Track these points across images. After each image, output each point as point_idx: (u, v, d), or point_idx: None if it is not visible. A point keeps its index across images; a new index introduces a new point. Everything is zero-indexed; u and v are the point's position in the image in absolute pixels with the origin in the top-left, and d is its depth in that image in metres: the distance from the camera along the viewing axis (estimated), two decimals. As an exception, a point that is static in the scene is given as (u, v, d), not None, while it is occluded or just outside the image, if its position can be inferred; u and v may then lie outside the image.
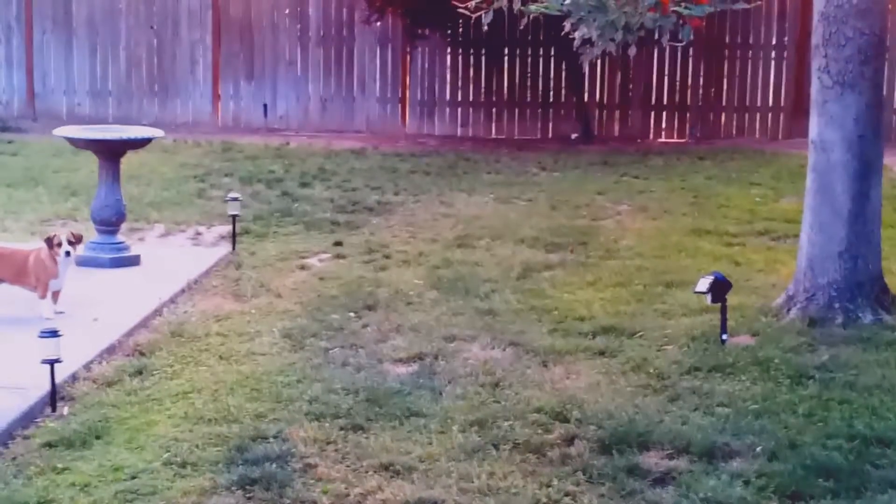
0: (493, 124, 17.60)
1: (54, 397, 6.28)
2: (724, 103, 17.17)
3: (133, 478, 5.42)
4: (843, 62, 7.58)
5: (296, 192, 12.39)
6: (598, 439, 5.86)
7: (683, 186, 12.81)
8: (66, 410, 6.25)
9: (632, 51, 7.80)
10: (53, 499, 5.20)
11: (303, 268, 9.37)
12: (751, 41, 17.03)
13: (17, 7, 18.18)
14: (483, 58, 17.54)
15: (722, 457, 5.66)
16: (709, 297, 7.44)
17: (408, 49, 17.62)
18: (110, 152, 9.34)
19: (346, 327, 7.76)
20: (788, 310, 7.87)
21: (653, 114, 17.33)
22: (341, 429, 6.00)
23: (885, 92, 9.28)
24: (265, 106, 17.92)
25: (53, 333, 6.26)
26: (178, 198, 12.00)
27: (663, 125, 17.34)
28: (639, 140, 16.84)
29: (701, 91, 17.18)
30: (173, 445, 5.76)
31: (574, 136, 16.88)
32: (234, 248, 9.88)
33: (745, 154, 15.11)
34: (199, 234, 10.63)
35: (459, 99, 17.69)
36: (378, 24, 17.14)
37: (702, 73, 17.17)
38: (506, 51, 17.52)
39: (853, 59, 7.58)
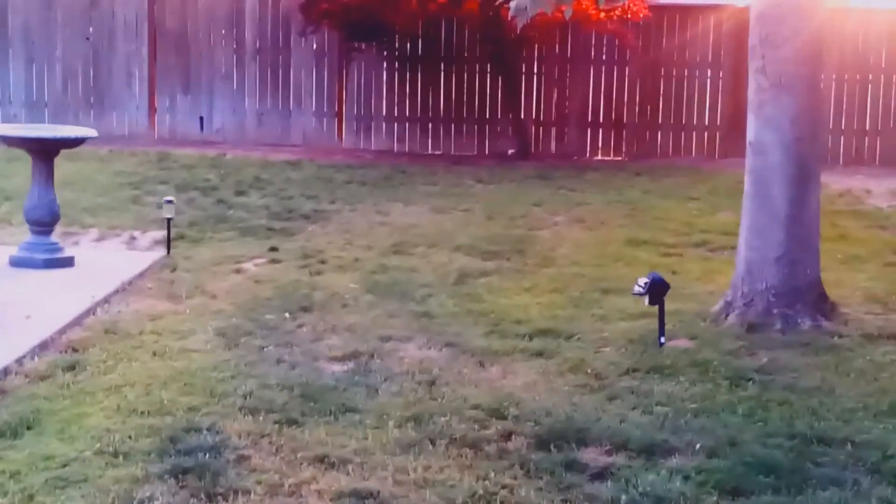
0: (430, 140, 17.59)
1: (-17, 390, 6.16)
2: (660, 121, 17.29)
3: (64, 466, 5.32)
4: (780, 63, 7.62)
5: (231, 199, 12.30)
6: (536, 435, 5.84)
7: (620, 199, 12.87)
8: (-4, 403, 6.13)
9: (568, 13, 7.69)
10: (-19, 486, 5.08)
11: (238, 272, 9.29)
12: (686, 60, 17.17)
13: (-50, 15, 17.94)
14: (419, 73, 17.53)
15: (661, 453, 5.65)
16: (646, 299, 7.46)
17: (344, 63, 17.58)
18: (44, 151, 9.21)
19: (280, 327, 7.69)
20: (726, 315, 7.90)
21: (589, 131, 17.41)
22: (275, 422, 5.93)
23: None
24: (201, 119, 17.78)
25: (-17, 325, 6.14)
26: (113, 203, 11.87)
27: (600, 143, 17.42)
28: (575, 157, 16.91)
29: (637, 109, 17.30)
30: (105, 436, 5.67)
31: (511, 152, 16.92)
32: (168, 252, 9.77)
33: (681, 171, 15.21)
34: (133, 238, 10.52)
35: (396, 114, 17.66)
36: (314, 37, 17.09)
37: (638, 92, 17.28)
38: (442, 66, 17.54)
39: (790, 59, 7.62)
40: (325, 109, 17.72)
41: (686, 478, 5.32)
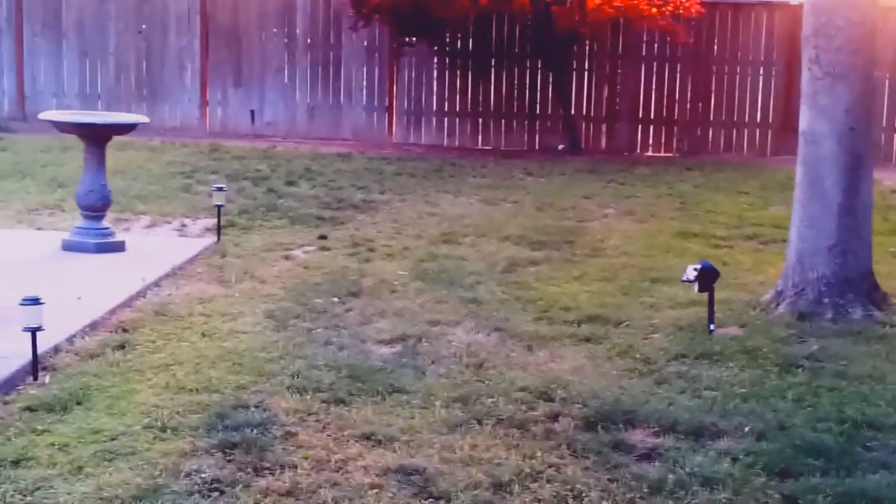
0: (480, 135, 17.60)
1: (35, 366, 6.20)
2: (711, 118, 17.19)
3: (112, 439, 5.35)
4: (834, 52, 7.56)
5: (281, 189, 12.36)
6: (583, 417, 5.82)
7: (670, 193, 12.81)
8: (47, 379, 6.18)
9: None
10: (32, 456, 5.12)
11: (287, 258, 9.33)
12: (739, 57, 17.06)
13: (6, 9, 18.13)
14: (470, 68, 17.54)
15: (709, 436, 5.61)
16: (696, 286, 7.41)
17: (394, 58, 17.62)
18: (96, 137, 9.29)
19: (329, 311, 7.71)
20: (777, 304, 7.83)
21: (640, 127, 17.34)
22: (323, 401, 5.95)
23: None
24: (252, 112, 17.88)
25: (35, 301, 6.19)
26: (165, 192, 11.97)
27: (650, 139, 17.34)
28: (625, 153, 16.84)
29: (688, 106, 17.20)
30: (154, 411, 5.70)
31: (560, 147, 16.89)
32: (218, 239, 9.82)
33: (732, 166, 15.14)
34: (184, 225, 10.59)
35: (446, 109, 17.68)
36: (365, 32, 17.13)
37: (689, 88, 17.18)
38: (492, 62, 17.53)
39: (844, 48, 7.55)
40: (376, 103, 17.77)
41: (734, 459, 5.28)
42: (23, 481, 4.86)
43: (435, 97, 17.71)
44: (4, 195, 11.41)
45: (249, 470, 5.08)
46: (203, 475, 4.98)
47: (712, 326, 7.28)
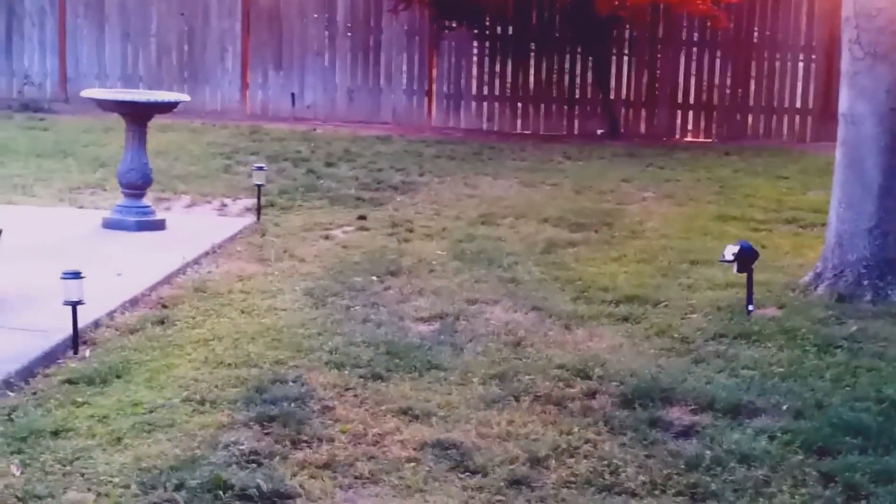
0: (519, 119, 17.56)
1: (76, 339, 6.27)
2: (751, 104, 17.08)
3: (151, 412, 5.40)
4: (875, 33, 7.49)
5: (321, 170, 12.40)
6: (620, 394, 5.82)
7: (709, 177, 12.75)
8: (87, 353, 6.25)
9: None
10: (71, 428, 5.18)
11: (327, 238, 9.35)
12: (779, 42, 16.94)
13: (49, -8, 18.29)
14: (510, 53, 17.51)
15: (746, 414, 5.60)
16: (735, 267, 7.38)
17: (434, 42, 17.61)
18: (137, 115, 9.34)
19: (368, 289, 7.73)
20: (816, 286, 7.79)
21: (679, 113, 17.24)
22: (360, 377, 5.98)
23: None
24: (293, 95, 17.92)
25: (76, 275, 6.24)
26: (205, 172, 12.04)
27: (689, 124, 17.25)
28: (664, 138, 16.76)
29: (728, 91, 17.10)
30: (192, 385, 5.75)
31: (600, 132, 16.84)
32: (258, 218, 9.87)
33: (772, 151, 15.05)
34: (224, 205, 10.64)
35: (485, 93, 17.65)
36: (405, 15, 17.13)
37: (729, 74, 17.07)
38: (532, 46, 17.48)
39: (885, 29, 7.48)
40: (416, 87, 17.77)
41: (772, 437, 5.27)
42: (62, 451, 4.92)
43: (474, 81, 17.68)
44: (47, 174, 11.51)
45: (287, 443, 5.11)
46: (241, 447, 5.02)
47: (751, 307, 7.25)
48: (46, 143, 13.34)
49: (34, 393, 5.63)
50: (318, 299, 7.41)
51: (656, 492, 4.77)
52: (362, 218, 10.11)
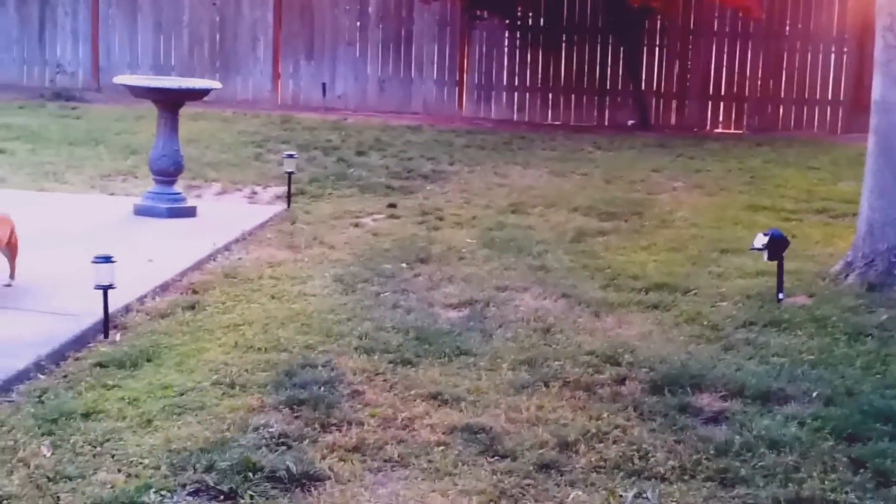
0: (550, 110, 17.55)
1: (107, 323, 6.29)
2: (782, 95, 16.99)
3: (181, 394, 5.42)
4: (909, 19, 7.45)
5: (351, 159, 12.43)
6: (650, 380, 5.80)
7: (740, 167, 12.70)
8: (118, 337, 6.27)
9: None
10: (102, 410, 5.20)
11: (356, 225, 9.37)
12: (811, 33, 16.83)
13: (83, -19, 18.39)
14: (541, 43, 17.49)
15: (776, 401, 5.57)
16: (765, 255, 7.34)
17: (466, 32, 17.59)
18: (169, 102, 9.38)
19: (397, 276, 7.74)
20: (846, 275, 7.74)
21: (710, 104, 17.18)
22: (390, 362, 5.98)
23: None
24: (324, 85, 17.96)
25: (107, 259, 6.27)
26: (236, 160, 12.09)
27: (720, 116, 17.17)
28: (695, 129, 16.70)
29: (759, 83, 17.01)
30: (222, 369, 5.76)
31: (630, 123, 16.80)
32: (289, 205, 9.90)
33: (803, 143, 15.00)
34: (255, 193, 10.68)
35: (516, 84, 17.65)
36: (436, 5, 17.13)
37: (761, 65, 16.98)
38: (563, 37, 17.45)
39: (919, 15, 7.44)
40: (447, 78, 17.77)
41: (802, 423, 5.24)
42: (92, 433, 4.94)
43: (505, 72, 17.68)
44: (79, 161, 11.59)
45: (316, 426, 5.12)
46: (271, 430, 5.03)
47: (781, 295, 7.22)
48: (78, 131, 13.43)
49: (65, 376, 5.66)
50: (347, 285, 7.42)
51: (686, 477, 4.75)
52: (392, 206, 10.12)
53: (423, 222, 9.52)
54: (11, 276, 7.07)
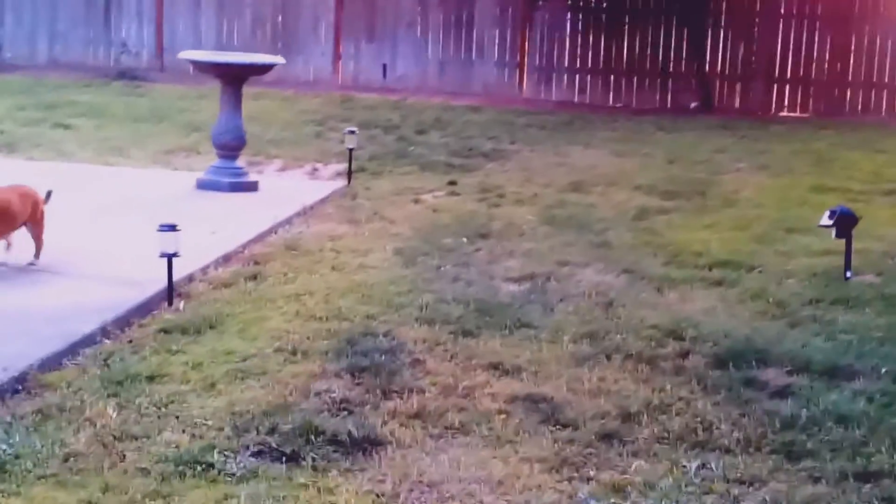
0: (611, 92, 17.40)
1: (171, 291, 6.33)
2: (849, 79, 16.74)
3: (244, 360, 5.44)
4: None
5: (412, 137, 12.43)
6: (714, 355, 5.74)
7: (805, 150, 12.52)
8: (181, 305, 6.31)
9: None
10: (166, 373, 5.23)
11: (416, 202, 9.36)
12: (880, 15, 16.57)
13: (147, -38, 18.50)
14: (603, 25, 17.36)
15: (843, 376, 5.48)
16: (833, 232, 7.24)
17: (528, 14, 17.50)
18: (233, 77, 9.41)
19: (458, 250, 7.73)
20: (915, 255, 7.63)
21: (775, 87, 16.96)
22: (450, 333, 5.97)
23: None
24: (384, 66, 17.94)
25: (171, 227, 6.30)
26: (297, 138, 12.13)
27: (785, 99, 16.95)
28: (759, 113, 16.49)
29: (826, 65, 16.77)
30: (284, 336, 5.78)
31: (693, 105, 16.62)
32: (349, 181, 9.90)
33: (870, 126, 14.77)
34: (315, 169, 10.71)
35: (577, 66, 17.52)
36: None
37: (828, 47, 16.74)
38: (626, 18, 17.31)
39: None
40: (507, 59, 17.69)
41: (870, 399, 5.15)
42: (157, 395, 4.97)
43: (566, 54, 17.55)
44: (142, 137, 11.68)
45: (377, 392, 5.12)
46: (332, 395, 5.04)
47: (849, 273, 7.12)
48: (142, 109, 13.53)
49: (130, 341, 5.70)
50: (408, 258, 7.42)
51: (751, 449, 4.69)
52: (452, 183, 10.10)
53: (483, 199, 9.49)
54: (36, 255, 6.89)
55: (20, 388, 4.95)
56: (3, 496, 3.98)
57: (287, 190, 9.53)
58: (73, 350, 5.44)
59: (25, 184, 7.04)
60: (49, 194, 7.13)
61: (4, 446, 4.30)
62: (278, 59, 9.92)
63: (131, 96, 14.75)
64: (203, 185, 9.34)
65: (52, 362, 5.26)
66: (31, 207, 6.87)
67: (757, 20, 16.91)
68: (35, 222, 6.91)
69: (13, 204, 6.72)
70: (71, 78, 16.34)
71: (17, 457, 4.25)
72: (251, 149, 10.46)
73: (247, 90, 9.81)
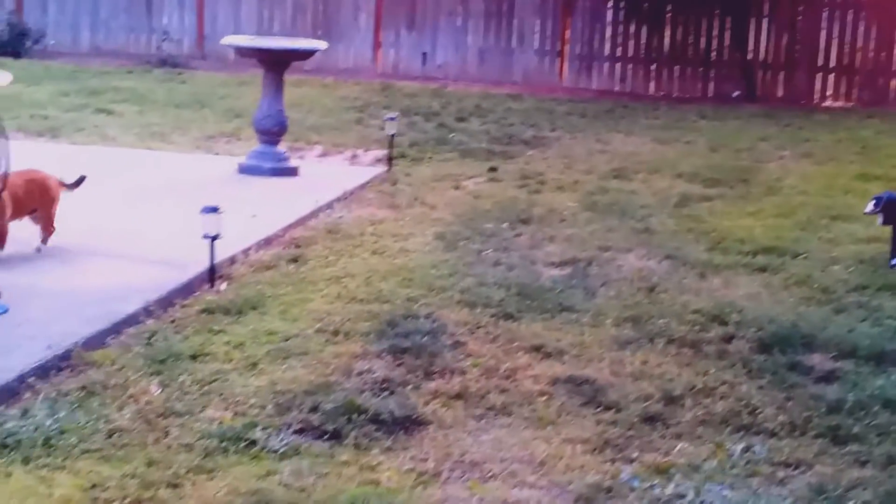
0: (652, 81, 17.28)
1: (213, 272, 6.34)
2: (894, 68, 16.55)
3: (286, 340, 5.45)
4: None
5: (452, 124, 12.39)
6: (758, 339, 5.71)
7: (850, 138, 12.40)
8: (223, 286, 6.32)
9: None
10: (209, 352, 5.25)
11: (457, 188, 9.34)
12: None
13: (189, -49, 18.54)
14: (645, 13, 17.22)
15: (891, 362, 5.46)
16: (880, 218, 7.17)
17: (568, 2, 17.41)
18: (274, 62, 9.41)
19: (498, 235, 7.70)
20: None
21: (818, 76, 16.79)
22: (492, 315, 5.96)
23: None
24: (424, 55, 17.91)
25: (214, 209, 6.30)
26: (338, 124, 12.12)
27: (829, 88, 16.78)
28: (802, 102, 16.34)
29: (871, 55, 16.59)
30: (326, 317, 5.78)
31: (735, 94, 16.49)
32: (389, 167, 9.89)
33: (916, 115, 14.61)
34: (355, 155, 10.69)
35: (619, 54, 17.41)
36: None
37: (873, 36, 16.56)
38: (668, 7, 17.17)
39: None
40: (548, 48, 17.60)
41: (918, 384, 5.10)
42: (200, 373, 4.99)
43: (607, 43, 17.44)
44: (184, 123, 11.71)
45: (419, 373, 5.12)
46: (374, 375, 5.04)
47: (894, 261, 7.03)
48: (183, 95, 13.57)
49: (172, 321, 5.71)
50: (449, 243, 7.40)
51: (796, 433, 4.65)
52: (493, 170, 10.06)
53: (523, 186, 9.45)
54: (43, 241, 6.79)
55: (65, 365, 4.97)
56: (49, 470, 4.00)
57: (327, 175, 9.53)
58: (116, 329, 5.46)
59: (37, 168, 6.87)
60: (81, 179, 7.10)
61: (50, 422, 4.32)
62: (320, 44, 9.90)
63: (173, 82, 14.81)
64: (244, 170, 9.35)
65: (96, 341, 5.28)
66: (39, 193, 6.72)
67: (800, 8, 16.74)
68: (44, 207, 6.77)
69: (19, 189, 6.51)
70: (113, 65, 16.43)
71: (62, 432, 4.27)
72: (292, 135, 10.44)
73: (288, 78, 9.80)
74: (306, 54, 9.75)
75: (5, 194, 6.23)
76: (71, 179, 7.05)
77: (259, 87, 9.68)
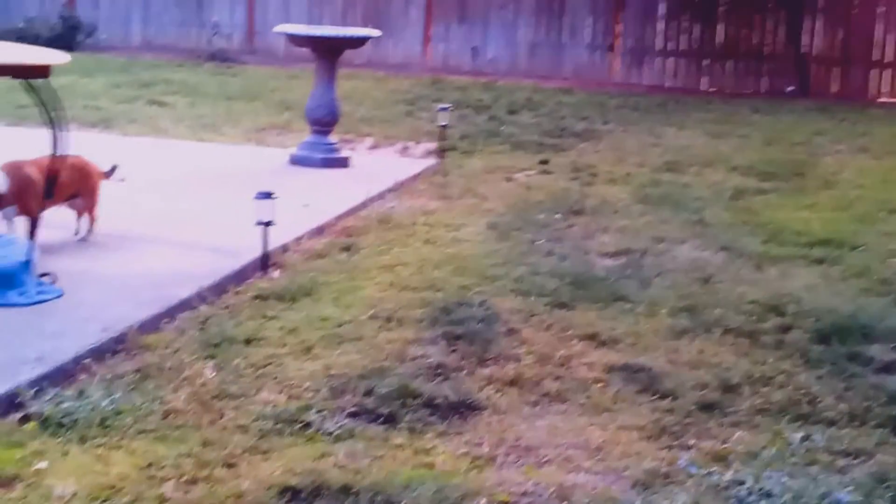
0: (705, 76, 17.18)
1: (266, 259, 6.34)
2: (951, 63, 16.37)
3: (339, 326, 5.43)
4: None
5: (503, 117, 12.37)
6: (816, 330, 5.62)
7: (907, 132, 12.28)
8: (276, 274, 6.32)
9: None
10: (262, 337, 5.23)
11: (508, 180, 9.30)
12: None
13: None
14: (698, 8, 17.12)
15: (951, 353, 5.35)
16: (940, 210, 7.07)
17: (621, -3, 17.36)
18: (327, 50, 9.40)
19: (551, 225, 7.66)
20: None
21: (875, 72, 16.60)
22: (546, 304, 5.91)
23: None
24: (474, 49, 17.90)
25: (267, 195, 6.30)
26: (389, 116, 12.13)
27: (884, 84, 16.58)
28: (857, 97, 16.17)
29: (927, 50, 16.40)
30: (379, 304, 5.76)
31: (789, 89, 16.35)
32: (441, 159, 9.87)
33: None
34: (406, 147, 10.68)
35: (670, 49, 17.32)
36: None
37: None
38: (721, 1, 17.05)
39: None
40: (599, 43, 17.55)
41: (983, 377, 5.01)
42: (254, 357, 4.98)
43: (659, 37, 17.36)
44: (236, 115, 11.75)
45: (473, 359, 5.08)
46: (428, 361, 5.01)
47: (953, 253, 6.94)
48: (234, 87, 13.64)
49: (226, 306, 5.71)
50: (501, 233, 7.37)
51: (856, 422, 4.57)
52: (544, 162, 10.02)
53: (575, 178, 9.41)
54: (89, 230, 6.71)
55: (120, 348, 4.98)
56: (105, 449, 4.00)
57: (379, 166, 9.53)
58: (170, 314, 5.47)
59: (80, 155, 6.68)
60: (113, 169, 7.05)
61: (106, 402, 4.32)
62: (373, 32, 9.90)
63: (224, 76, 14.88)
64: (296, 161, 9.37)
65: (151, 325, 5.29)
66: (80, 179, 6.60)
67: (855, 3, 16.57)
68: (86, 195, 6.68)
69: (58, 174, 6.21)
70: (164, 59, 16.52)
71: (118, 413, 4.27)
72: (343, 126, 10.45)
73: (339, 71, 9.79)
74: (359, 42, 9.73)
75: (38, 176, 6.15)
76: (106, 168, 6.98)
77: (310, 80, 9.70)
